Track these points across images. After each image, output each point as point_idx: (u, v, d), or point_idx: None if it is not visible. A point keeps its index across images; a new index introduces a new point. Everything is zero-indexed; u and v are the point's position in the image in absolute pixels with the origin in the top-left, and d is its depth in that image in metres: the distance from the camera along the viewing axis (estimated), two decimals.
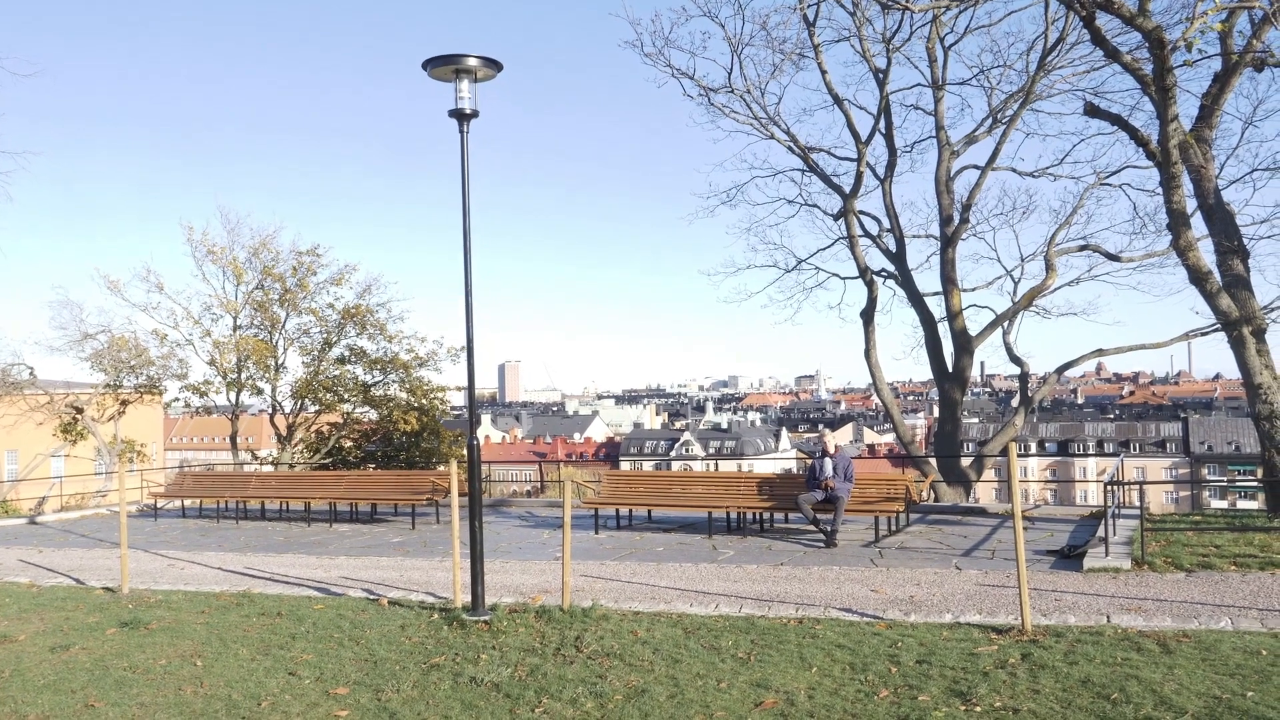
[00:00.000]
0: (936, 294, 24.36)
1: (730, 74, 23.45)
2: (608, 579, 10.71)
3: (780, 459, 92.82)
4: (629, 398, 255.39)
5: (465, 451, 9.84)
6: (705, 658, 7.28)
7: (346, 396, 26.51)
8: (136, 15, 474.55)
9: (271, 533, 16.16)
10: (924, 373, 27.48)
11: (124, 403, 27.02)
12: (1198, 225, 14.81)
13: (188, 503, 19.85)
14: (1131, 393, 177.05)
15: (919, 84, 24.56)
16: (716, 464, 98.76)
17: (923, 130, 54.91)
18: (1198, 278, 13.97)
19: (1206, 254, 14.34)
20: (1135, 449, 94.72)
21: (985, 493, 32.59)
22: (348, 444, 27.53)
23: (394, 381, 26.84)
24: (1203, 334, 20.71)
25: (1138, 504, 13.38)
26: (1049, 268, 23.33)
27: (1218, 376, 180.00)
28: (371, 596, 10.16)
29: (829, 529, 12.77)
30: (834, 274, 26.18)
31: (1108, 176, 23.41)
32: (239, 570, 12.30)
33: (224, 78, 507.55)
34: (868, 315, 24.64)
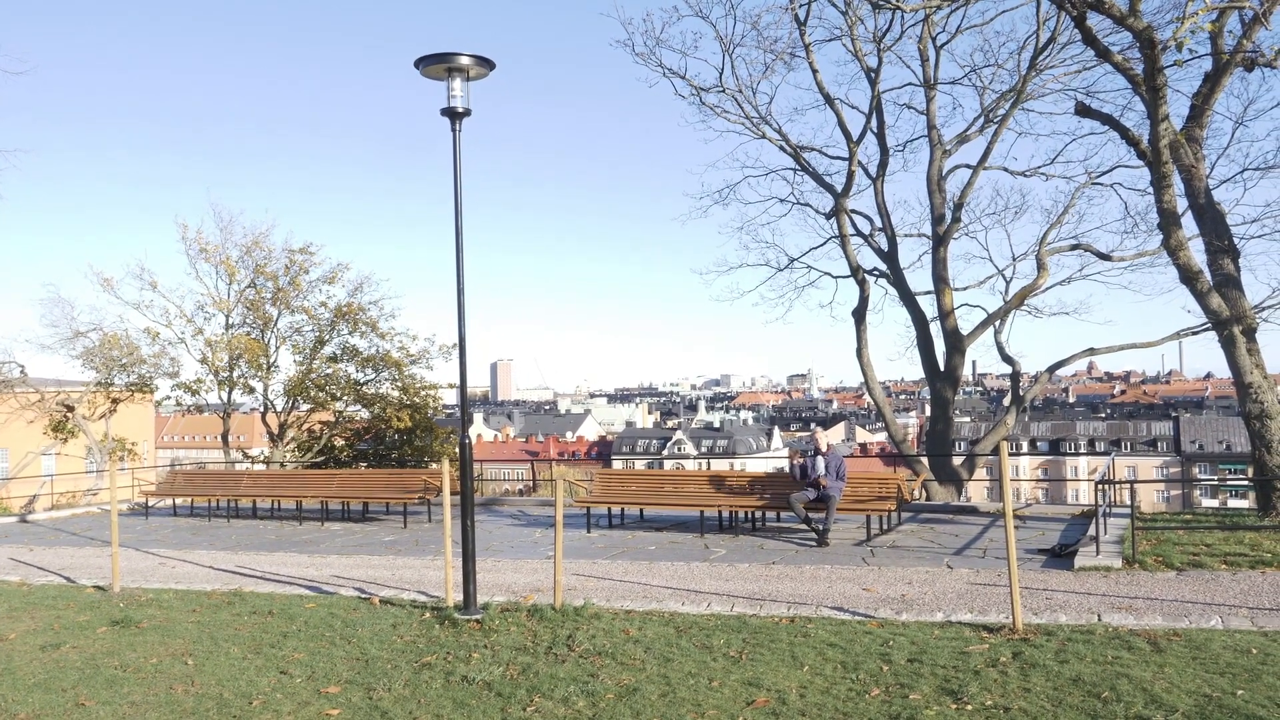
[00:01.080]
0: (928, 293, 24.43)
1: (722, 74, 23.41)
2: (600, 578, 10.71)
3: (772, 458, 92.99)
4: (621, 396, 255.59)
5: (457, 450, 9.82)
6: (697, 656, 7.29)
7: (338, 395, 26.43)
8: (133, 12, 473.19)
9: (263, 531, 16.13)
10: (916, 372, 27.59)
11: (115, 401, 26.91)
12: (1188, 225, 14.88)
13: (179, 501, 19.80)
14: (1123, 392, 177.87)
15: (910, 83, 24.55)
16: (709, 463, 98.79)
17: (914, 129, 55.20)
18: (1188, 277, 14.01)
19: (1197, 253, 14.40)
20: (1126, 448, 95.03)
21: (977, 491, 32.62)
22: (339, 442, 27.45)
23: (386, 379, 26.76)
24: (1193, 333, 20.79)
25: (1129, 503, 13.41)
26: (1040, 267, 23.40)
27: (1209, 375, 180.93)
28: (363, 595, 10.15)
29: (821, 528, 12.78)
30: (826, 273, 26.22)
31: (1099, 176, 23.52)
32: (230, 569, 12.28)
33: (219, 75, 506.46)
34: (859, 314, 24.67)
